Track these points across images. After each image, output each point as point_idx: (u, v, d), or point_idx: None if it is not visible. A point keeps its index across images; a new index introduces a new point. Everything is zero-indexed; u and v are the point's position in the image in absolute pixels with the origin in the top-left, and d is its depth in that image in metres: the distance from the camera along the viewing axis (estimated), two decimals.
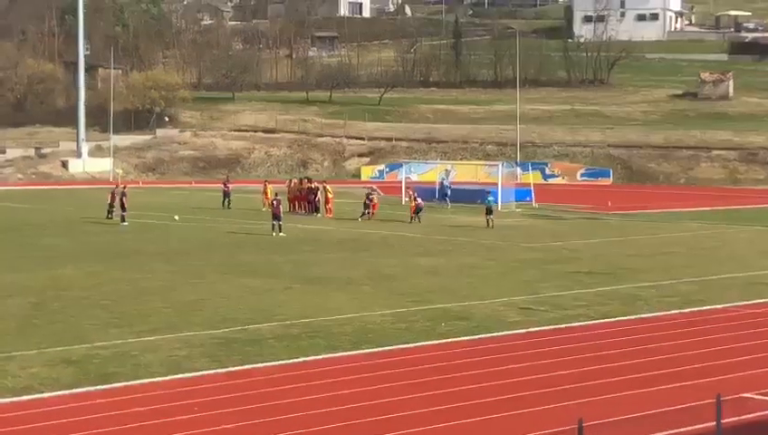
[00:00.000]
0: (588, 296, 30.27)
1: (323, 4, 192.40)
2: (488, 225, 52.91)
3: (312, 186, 62.89)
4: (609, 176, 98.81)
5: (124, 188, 57.02)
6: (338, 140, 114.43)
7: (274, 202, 51.36)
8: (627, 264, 38.41)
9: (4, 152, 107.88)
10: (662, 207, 67.43)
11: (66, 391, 19.05)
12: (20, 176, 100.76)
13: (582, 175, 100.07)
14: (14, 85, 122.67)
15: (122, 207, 54.20)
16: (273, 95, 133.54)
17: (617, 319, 26.69)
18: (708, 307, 28.56)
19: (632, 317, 26.95)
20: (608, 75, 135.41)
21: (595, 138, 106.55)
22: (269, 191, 60.94)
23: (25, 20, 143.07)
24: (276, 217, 49.02)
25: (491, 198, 55.92)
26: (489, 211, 53.95)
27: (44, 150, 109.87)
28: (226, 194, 65.25)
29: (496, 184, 66.33)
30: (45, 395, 18.79)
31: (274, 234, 47.98)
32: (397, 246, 44.70)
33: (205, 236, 48.51)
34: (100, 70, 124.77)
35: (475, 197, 62.78)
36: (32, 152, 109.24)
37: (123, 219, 53.62)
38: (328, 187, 62.05)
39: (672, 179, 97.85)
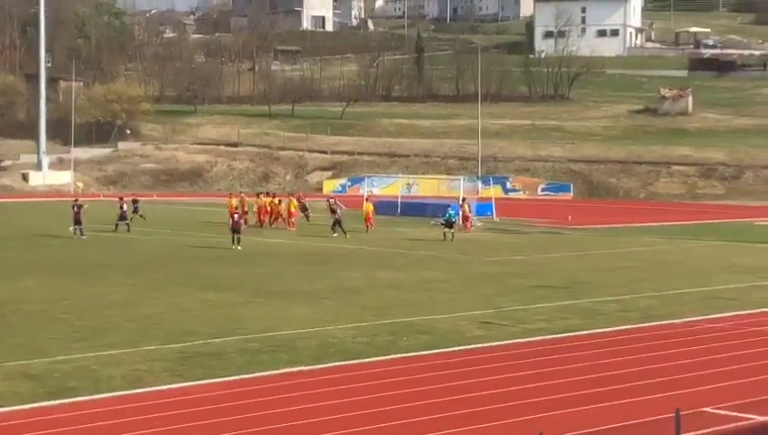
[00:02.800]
0: (548, 311, 30.42)
1: (286, 18, 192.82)
2: (445, 238, 53.02)
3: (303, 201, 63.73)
4: (569, 190, 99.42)
5: (75, 201, 56.68)
6: (300, 153, 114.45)
7: (235, 216, 51.22)
8: (587, 278, 38.64)
9: None
10: (622, 222, 67.86)
11: (26, 406, 18.92)
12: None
13: (543, 189, 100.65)
14: None
15: (77, 220, 53.90)
16: (235, 108, 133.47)
17: (577, 333, 26.84)
18: (668, 321, 28.78)
19: (592, 331, 27.11)
20: (568, 90, 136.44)
21: (556, 153, 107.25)
22: (234, 204, 60.81)
23: None
24: (236, 230, 48.82)
25: (452, 212, 56.07)
26: (449, 225, 54.16)
27: (4, 163, 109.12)
28: (122, 216, 57.68)
29: (458, 198, 66.49)
30: (4, 410, 18.66)
31: (234, 247, 47.85)
32: (358, 259, 44.75)
33: (166, 249, 48.37)
34: (61, 82, 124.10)
35: (436, 211, 62.77)
36: None
37: (81, 232, 53.39)
38: (293, 200, 62.15)
39: (632, 194, 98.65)
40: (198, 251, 47.43)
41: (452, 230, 53.83)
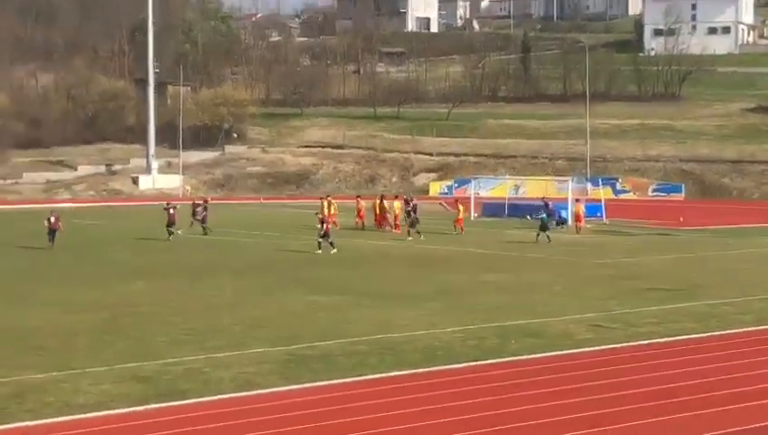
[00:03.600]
0: (660, 313, 29.77)
1: (391, 19, 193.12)
2: (537, 240, 52.17)
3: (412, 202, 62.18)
4: (680, 191, 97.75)
5: (168, 203, 57.29)
6: (406, 155, 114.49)
7: (323, 220, 49.56)
8: (699, 280, 37.80)
9: (75, 169, 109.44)
10: (735, 223, 66.49)
11: (137, 408, 19.06)
12: (91, 192, 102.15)
13: (654, 190, 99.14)
14: (85, 103, 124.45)
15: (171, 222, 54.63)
16: (340, 111, 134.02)
17: (690, 336, 26.20)
18: None
19: (706, 335, 26.44)
20: (679, 89, 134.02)
21: (667, 152, 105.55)
22: (333, 208, 60.59)
23: (97, 38, 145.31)
24: (326, 234, 48.09)
25: (544, 216, 55.05)
26: (543, 227, 53.21)
27: (115, 167, 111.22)
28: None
29: (566, 199, 65.86)
30: (116, 411, 18.82)
31: (320, 251, 47.00)
32: (465, 262, 44.45)
33: (271, 252, 48.62)
34: (169, 87, 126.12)
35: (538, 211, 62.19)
36: (103, 169, 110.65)
37: (172, 233, 54.24)
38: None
39: (745, 194, 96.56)
40: (304, 254, 47.53)
41: (546, 233, 52.86)
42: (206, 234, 56.49)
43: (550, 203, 61.24)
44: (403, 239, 54.08)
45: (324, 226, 48.37)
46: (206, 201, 61.25)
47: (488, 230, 60.86)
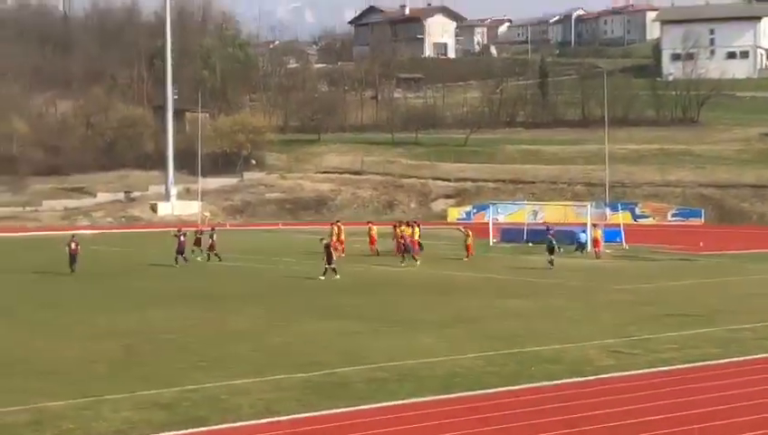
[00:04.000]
0: (680, 339, 29.61)
1: (408, 45, 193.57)
2: (551, 264, 52.10)
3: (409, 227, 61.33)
4: (700, 216, 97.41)
5: (178, 230, 57.72)
6: (424, 181, 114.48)
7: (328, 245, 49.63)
8: (720, 306, 37.60)
9: (94, 196, 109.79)
10: (756, 248, 66.17)
11: None
12: (110, 219, 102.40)
13: (673, 215, 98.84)
14: (104, 130, 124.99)
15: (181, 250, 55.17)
16: (358, 137, 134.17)
17: (711, 362, 26.04)
18: None
19: (726, 360, 26.28)
20: (698, 114, 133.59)
21: (686, 177, 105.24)
22: (340, 233, 59.98)
23: (115, 65, 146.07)
24: (329, 259, 48.00)
25: (551, 238, 54.76)
26: (551, 250, 53.18)
27: (134, 194, 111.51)
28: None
29: (585, 225, 65.69)
30: None
31: (322, 278, 47.01)
32: (483, 287, 44.35)
33: (287, 278, 48.59)
34: (187, 114, 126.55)
35: (565, 238, 62.12)
36: (121, 196, 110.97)
37: (185, 260, 54.90)
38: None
39: (765, 219, 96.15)
40: (321, 280, 47.43)
41: (551, 256, 52.84)
42: (208, 260, 56.78)
43: (551, 229, 61.14)
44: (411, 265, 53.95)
45: (329, 251, 48.41)
46: (213, 228, 61.55)
47: (506, 256, 60.73)
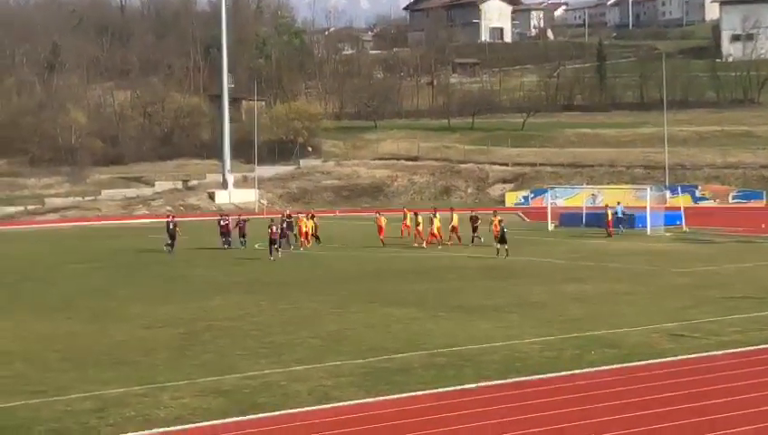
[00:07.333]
0: (742, 322, 29.21)
1: (464, 30, 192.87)
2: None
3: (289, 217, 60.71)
4: (762, 198, 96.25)
5: (221, 216, 59.62)
6: (481, 166, 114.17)
7: (272, 228, 51.28)
8: None
9: (152, 185, 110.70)
10: None
11: (217, 421, 19.11)
12: (168, 208, 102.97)
13: (734, 197, 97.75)
14: (161, 119, 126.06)
15: (227, 233, 56.90)
16: (414, 123, 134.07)
17: None
18: None
19: None
20: (758, 94, 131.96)
21: (747, 159, 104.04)
22: (383, 220, 59.61)
23: (171, 55, 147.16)
24: (273, 241, 50.72)
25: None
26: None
27: (191, 182, 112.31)
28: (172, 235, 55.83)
29: (645, 208, 65.24)
30: (197, 425, 18.89)
31: (272, 258, 49.96)
32: (542, 272, 44.08)
33: (346, 265, 48.65)
34: (243, 102, 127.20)
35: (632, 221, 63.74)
36: (179, 184, 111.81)
37: (229, 244, 56.70)
38: (303, 217, 60.57)
39: None
40: (379, 265, 47.48)
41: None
42: (232, 246, 56.93)
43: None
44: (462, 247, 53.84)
45: (271, 232, 50.96)
46: (240, 217, 60.88)
47: (565, 240, 60.36)
